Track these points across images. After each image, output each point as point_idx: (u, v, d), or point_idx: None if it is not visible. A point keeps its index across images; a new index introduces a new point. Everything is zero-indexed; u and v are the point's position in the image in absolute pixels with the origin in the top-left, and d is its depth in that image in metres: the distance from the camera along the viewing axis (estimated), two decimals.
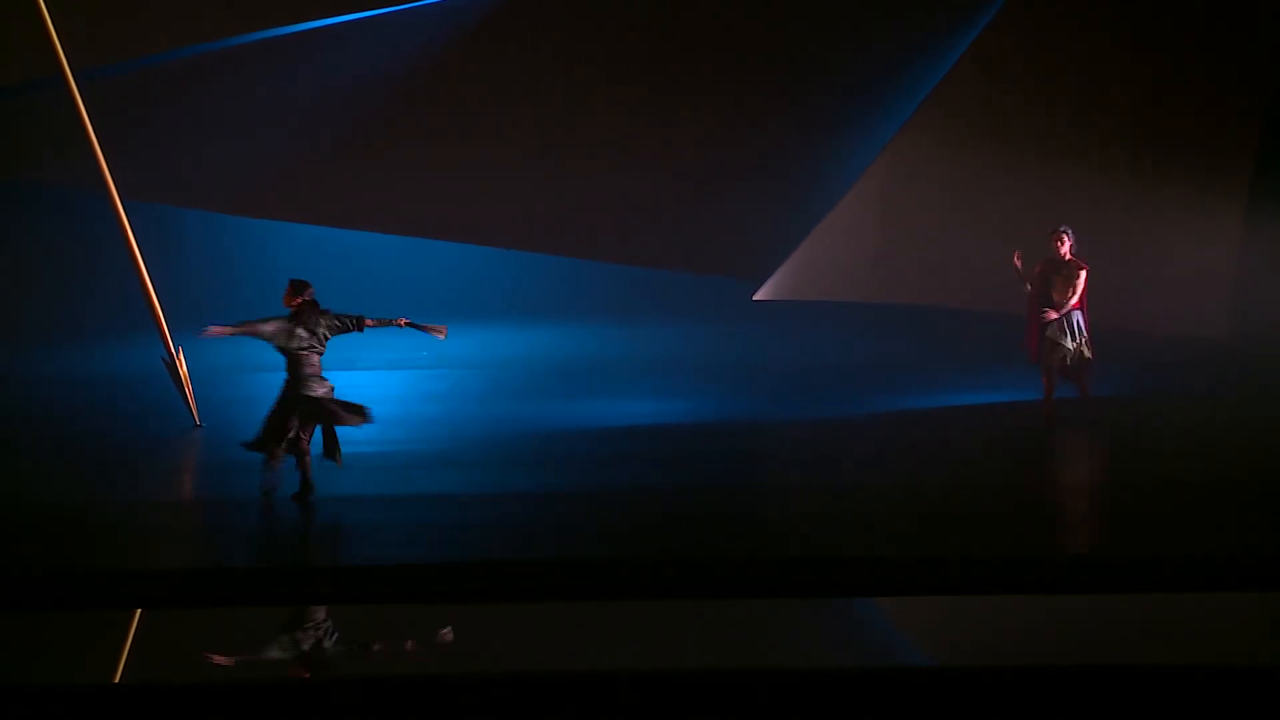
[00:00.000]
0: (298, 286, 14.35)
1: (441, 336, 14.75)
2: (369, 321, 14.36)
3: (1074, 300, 17.53)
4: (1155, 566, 12.86)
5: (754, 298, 21.86)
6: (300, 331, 14.22)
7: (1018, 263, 17.66)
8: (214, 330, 14.20)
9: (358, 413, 14.31)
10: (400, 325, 14.48)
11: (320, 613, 12.09)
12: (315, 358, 14.33)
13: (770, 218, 22.01)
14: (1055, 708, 9.85)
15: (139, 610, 12.01)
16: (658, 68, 21.83)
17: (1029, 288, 17.70)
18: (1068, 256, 17.61)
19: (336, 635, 11.68)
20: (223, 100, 21.59)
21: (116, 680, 10.59)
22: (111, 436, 17.84)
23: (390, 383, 21.12)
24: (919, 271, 21.65)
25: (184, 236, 23.65)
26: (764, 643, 11.31)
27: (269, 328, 14.23)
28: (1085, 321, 17.62)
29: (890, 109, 21.67)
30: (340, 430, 14.31)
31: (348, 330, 14.35)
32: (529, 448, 17.35)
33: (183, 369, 18.33)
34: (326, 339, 14.36)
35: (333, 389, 14.34)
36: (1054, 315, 17.52)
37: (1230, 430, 17.28)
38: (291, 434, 14.16)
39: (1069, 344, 17.49)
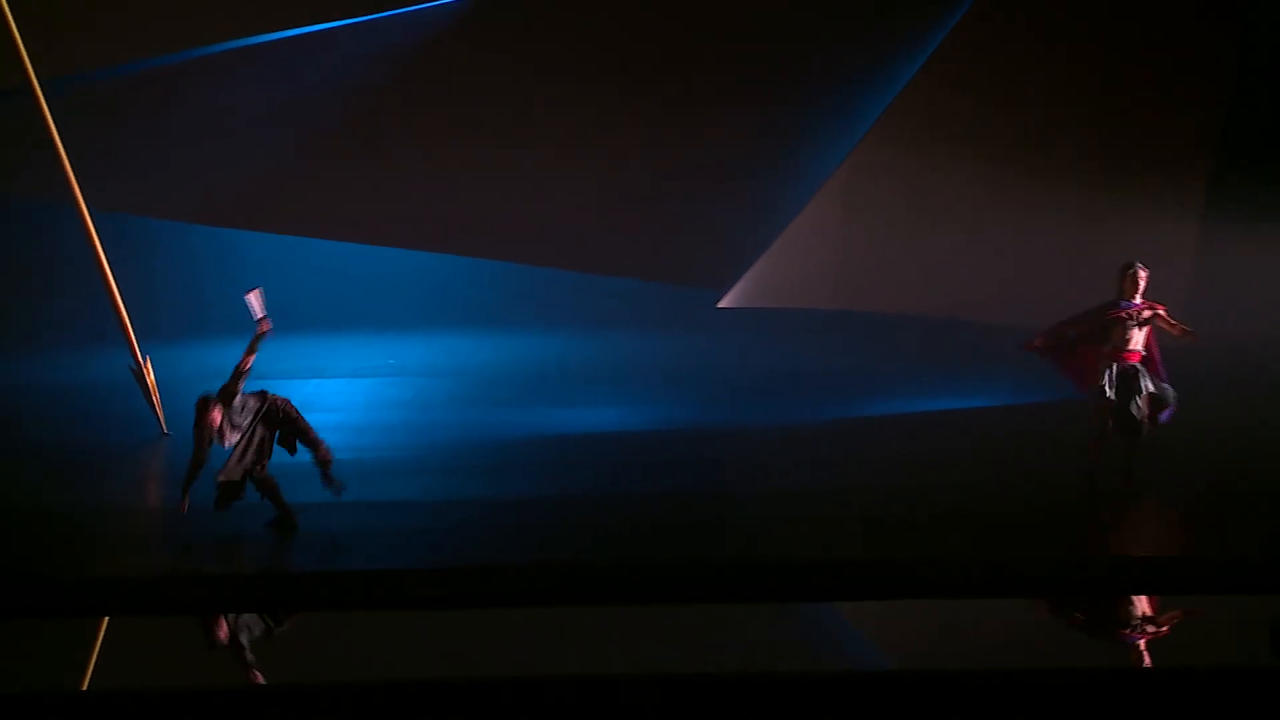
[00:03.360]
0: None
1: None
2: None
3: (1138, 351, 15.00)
4: (1115, 571, 13.00)
5: (719, 305, 21.90)
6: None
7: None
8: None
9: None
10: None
11: (287, 618, 12.19)
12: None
13: (735, 226, 22.02)
14: (1030, 711, 9.96)
15: (105, 618, 12.07)
16: (622, 78, 21.87)
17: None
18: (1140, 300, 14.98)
19: (303, 641, 11.80)
20: (189, 110, 21.63)
21: (84, 688, 10.64)
22: (79, 444, 17.81)
23: (355, 390, 21.09)
24: (881, 279, 21.73)
25: (151, 246, 23.65)
26: (729, 647, 11.41)
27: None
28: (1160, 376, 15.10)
29: (852, 118, 21.73)
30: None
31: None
32: (494, 454, 17.35)
33: (150, 378, 18.34)
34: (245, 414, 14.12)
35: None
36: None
37: (1187, 436, 17.05)
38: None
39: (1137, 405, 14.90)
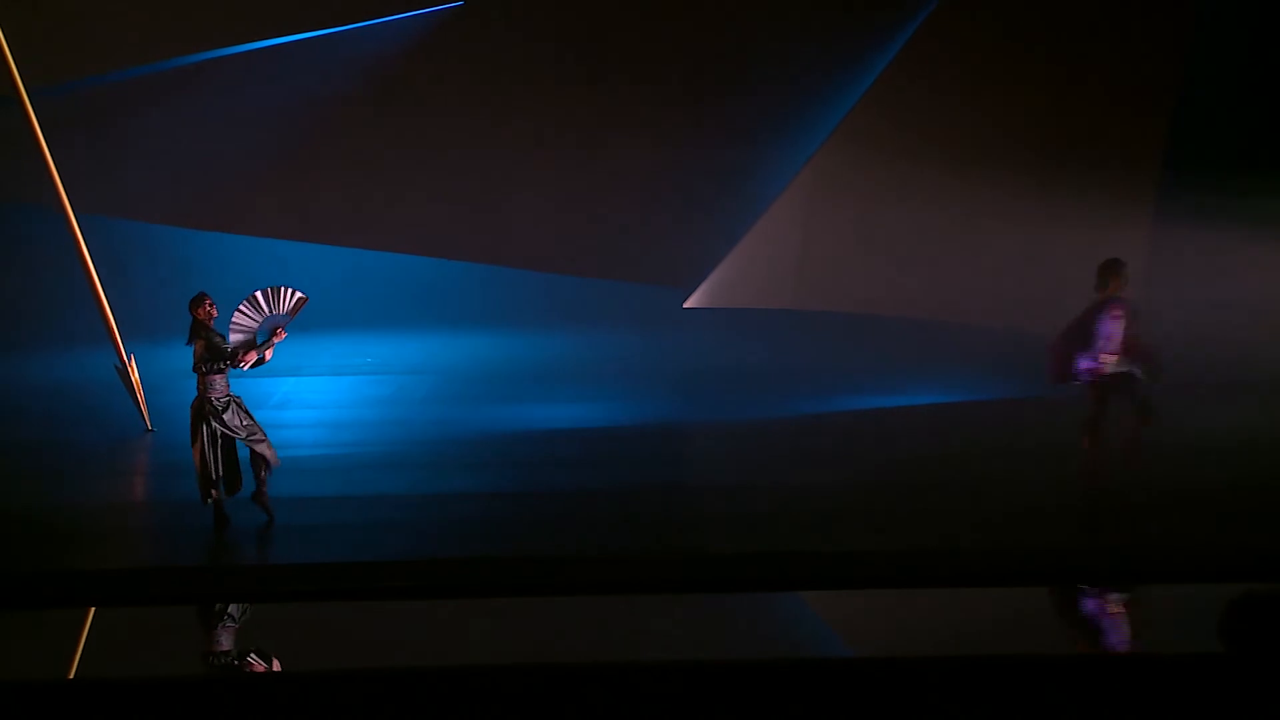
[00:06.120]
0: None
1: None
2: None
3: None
4: (1074, 560, 13.24)
5: (685, 305, 22.11)
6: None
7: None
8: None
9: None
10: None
11: (266, 609, 12.43)
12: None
13: (700, 228, 22.18)
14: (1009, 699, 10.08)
15: (91, 609, 12.27)
16: (587, 82, 22.03)
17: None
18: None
19: (284, 630, 12.01)
20: (171, 117, 21.72)
21: (70, 677, 10.85)
22: (65, 440, 17.92)
23: (336, 388, 21.23)
24: (841, 279, 21.84)
25: (134, 248, 23.69)
26: (700, 636, 11.73)
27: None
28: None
29: (814, 122, 21.90)
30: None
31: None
32: (470, 450, 17.47)
33: (134, 375, 18.50)
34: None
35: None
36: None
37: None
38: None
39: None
